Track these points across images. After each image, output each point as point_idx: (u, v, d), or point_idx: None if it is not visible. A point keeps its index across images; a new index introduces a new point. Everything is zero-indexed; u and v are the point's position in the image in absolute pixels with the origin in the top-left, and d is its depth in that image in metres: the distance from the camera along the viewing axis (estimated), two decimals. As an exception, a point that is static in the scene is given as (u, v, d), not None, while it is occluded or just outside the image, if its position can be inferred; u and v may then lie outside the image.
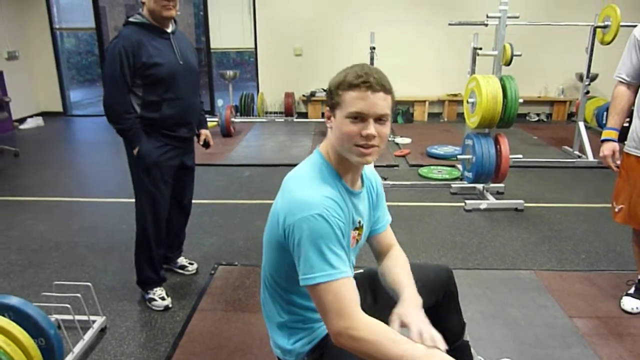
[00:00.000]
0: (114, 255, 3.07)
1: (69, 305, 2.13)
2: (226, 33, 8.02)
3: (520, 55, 4.68)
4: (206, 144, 2.73)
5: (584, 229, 3.52)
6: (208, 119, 2.94)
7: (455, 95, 7.93)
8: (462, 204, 3.98)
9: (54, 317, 2.15)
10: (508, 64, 4.95)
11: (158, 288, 2.54)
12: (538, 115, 8.02)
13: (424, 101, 7.88)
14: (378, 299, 1.54)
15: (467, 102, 4.05)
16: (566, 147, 5.84)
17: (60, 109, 8.22)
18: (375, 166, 1.58)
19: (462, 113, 4.44)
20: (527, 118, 7.99)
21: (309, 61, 7.95)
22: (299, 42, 7.88)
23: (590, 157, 5.25)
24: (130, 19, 2.27)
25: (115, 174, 4.82)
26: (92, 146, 6.36)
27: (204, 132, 2.70)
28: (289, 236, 1.21)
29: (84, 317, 2.24)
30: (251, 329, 2.29)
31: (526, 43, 6.39)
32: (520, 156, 4.22)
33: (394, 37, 7.58)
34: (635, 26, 2.35)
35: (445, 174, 4.83)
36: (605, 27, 4.93)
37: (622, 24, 4.70)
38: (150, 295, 2.51)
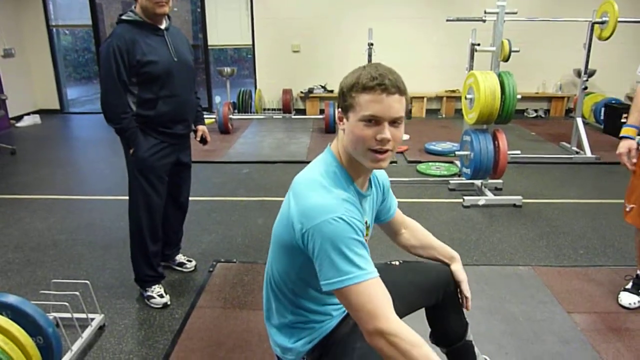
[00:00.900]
0: (112, 253, 3.07)
1: (67, 304, 2.12)
2: (224, 30, 8.00)
3: (518, 51, 4.68)
4: (203, 140, 2.73)
5: (582, 225, 3.52)
6: (205, 116, 2.94)
7: (453, 91, 7.93)
8: (461, 200, 3.98)
9: (52, 315, 2.14)
10: (506, 60, 4.94)
11: (156, 285, 2.54)
12: (536, 111, 8.03)
13: (422, 97, 7.88)
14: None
15: (465, 98, 4.05)
16: (564, 143, 5.85)
17: (57, 106, 8.22)
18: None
19: (460, 109, 4.43)
20: (525, 114, 8.00)
21: (307, 58, 7.93)
22: (297, 38, 7.86)
23: (588, 153, 5.26)
24: (123, 17, 2.25)
25: (113, 172, 4.81)
26: (89, 144, 6.35)
27: (201, 128, 2.70)
28: (309, 241, 1.17)
29: (83, 315, 2.24)
30: (250, 326, 2.29)
31: (524, 39, 6.38)
32: (519, 152, 4.22)
33: (392, 33, 7.57)
34: (633, 22, 2.34)
35: (443, 170, 4.83)
36: (603, 22, 4.93)
37: (619, 19, 4.70)
38: (149, 293, 2.51)
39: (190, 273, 2.83)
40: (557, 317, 2.37)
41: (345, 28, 7.69)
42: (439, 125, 7.19)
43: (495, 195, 4.06)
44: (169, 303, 2.50)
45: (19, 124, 7.16)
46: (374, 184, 1.46)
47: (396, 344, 1.10)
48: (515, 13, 4.09)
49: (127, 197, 2.46)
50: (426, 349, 1.11)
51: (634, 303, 2.43)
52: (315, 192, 1.21)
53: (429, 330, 1.70)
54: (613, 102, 6.60)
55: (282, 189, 4.34)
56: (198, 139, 2.71)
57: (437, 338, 1.68)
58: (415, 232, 1.70)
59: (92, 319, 2.27)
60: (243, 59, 10.24)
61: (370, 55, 5.99)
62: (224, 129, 6.56)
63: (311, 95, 7.88)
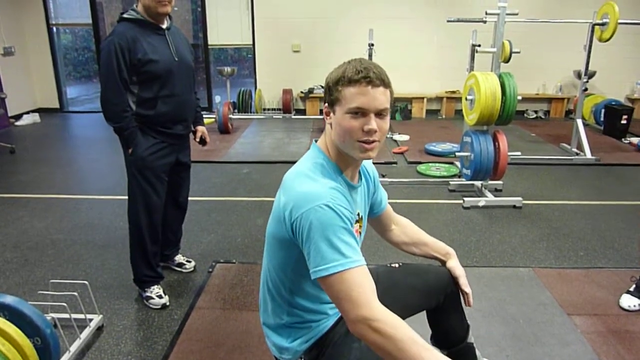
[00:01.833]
0: (111, 253, 3.06)
1: (65, 304, 2.11)
2: (224, 29, 7.98)
3: (519, 52, 4.68)
4: (202, 141, 2.72)
5: (582, 226, 3.52)
6: (206, 116, 2.93)
7: (453, 92, 7.92)
8: (461, 202, 3.97)
9: (50, 315, 2.13)
10: (507, 61, 4.93)
11: (155, 286, 2.53)
12: (536, 112, 8.02)
13: (422, 98, 7.87)
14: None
15: (466, 99, 4.04)
16: (564, 145, 5.84)
17: (56, 105, 8.20)
18: (373, 163, 1.58)
19: (461, 110, 4.43)
20: (525, 115, 7.99)
21: (307, 58, 7.92)
22: (297, 38, 7.85)
23: (588, 155, 5.25)
24: (125, 15, 2.24)
25: (112, 171, 4.80)
26: (88, 143, 6.33)
27: (200, 129, 2.69)
28: (297, 230, 1.19)
29: (81, 316, 2.23)
30: (249, 327, 2.28)
31: (525, 40, 6.38)
32: (519, 153, 4.21)
33: (393, 33, 7.56)
34: (633, 24, 2.32)
35: (443, 171, 4.82)
36: (603, 24, 4.92)
37: (620, 21, 4.69)
38: (148, 294, 2.50)
39: (189, 274, 2.82)
40: (557, 319, 2.37)
41: (346, 28, 7.68)
42: (439, 126, 7.18)
43: (495, 196, 4.06)
44: (167, 304, 2.49)
45: (18, 123, 7.14)
46: (364, 176, 1.47)
47: (379, 329, 1.10)
48: (517, 14, 4.09)
49: (126, 197, 2.45)
50: (409, 329, 1.11)
51: (634, 306, 2.43)
52: (302, 182, 1.23)
53: (430, 332, 1.69)
54: (613, 103, 6.59)
55: (282, 189, 4.32)
56: (197, 139, 2.70)
57: (438, 340, 1.68)
58: (405, 228, 1.70)
59: (91, 320, 2.26)
60: (243, 59, 10.23)
61: (370, 56, 5.98)
62: (224, 128, 6.55)
63: (311, 95, 7.87)
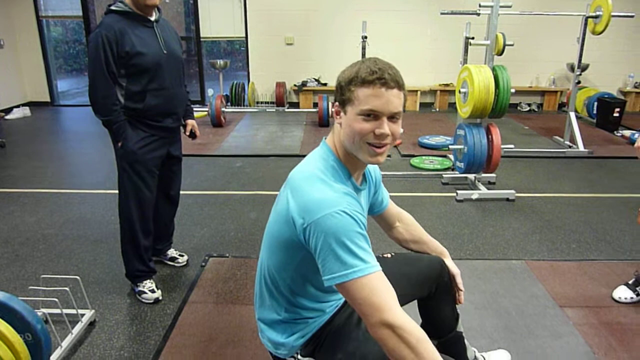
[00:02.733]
0: (102, 248, 3.04)
1: (56, 299, 2.09)
2: (216, 22, 7.93)
3: (512, 45, 4.68)
4: (192, 135, 2.69)
5: (574, 219, 3.53)
6: (198, 109, 2.91)
7: (447, 85, 7.92)
8: (454, 194, 3.98)
9: (41, 311, 2.12)
10: (500, 53, 4.93)
11: (148, 280, 2.51)
12: (529, 105, 8.04)
13: (416, 91, 7.86)
14: None
15: (459, 92, 4.03)
16: (557, 137, 5.86)
17: (47, 98, 8.12)
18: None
19: (454, 103, 4.43)
20: (519, 108, 8.01)
21: (300, 50, 7.88)
22: (291, 31, 7.81)
23: (581, 147, 5.27)
24: (112, 7, 2.21)
25: (104, 165, 4.77)
26: (80, 137, 6.28)
27: (190, 123, 2.66)
28: (311, 235, 1.16)
29: (73, 311, 2.21)
30: (242, 321, 2.27)
31: (518, 33, 6.38)
32: (512, 146, 4.22)
33: (386, 26, 7.54)
34: (626, 16, 2.32)
35: (436, 164, 4.83)
36: (596, 17, 4.92)
37: (613, 14, 4.70)
38: (140, 288, 2.48)
39: (182, 268, 2.81)
40: (550, 311, 2.38)
41: (339, 21, 7.64)
42: (433, 119, 7.18)
43: (488, 189, 4.06)
44: (160, 298, 2.47)
45: (8, 117, 7.07)
46: (368, 178, 1.46)
47: (403, 338, 1.09)
48: (510, 7, 4.08)
49: (118, 191, 2.43)
50: (431, 345, 1.12)
51: (625, 298, 2.44)
52: (316, 187, 1.20)
53: (420, 321, 1.69)
54: (606, 96, 6.61)
55: (276, 183, 4.32)
56: (187, 133, 2.68)
57: (429, 329, 1.67)
58: (409, 226, 1.70)
59: (83, 315, 2.24)
60: (236, 52, 10.17)
61: (364, 49, 5.95)
62: (217, 122, 6.52)
63: (305, 88, 7.84)
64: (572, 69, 6.21)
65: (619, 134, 6.15)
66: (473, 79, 3.73)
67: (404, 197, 3.95)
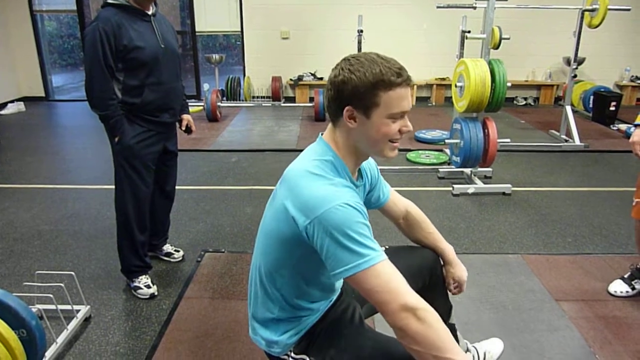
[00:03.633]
0: (98, 243, 3.02)
1: (51, 295, 2.08)
2: (212, 16, 7.88)
3: (508, 39, 4.66)
4: (188, 130, 2.67)
5: (570, 213, 3.54)
6: (194, 104, 2.90)
7: (443, 79, 7.91)
8: (450, 189, 3.98)
9: (36, 307, 2.11)
10: (496, 47, 4.92)
11: (143, 276, 2.50)
12: (525, 99, 8.04)
13: (412, 85, 7.82)
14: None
15: (456, 86, 4.03)
16: (553, 131, 5.87)
17: (42, 93, 8.07)
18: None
19: (451, 97, 4.42)
20: (515, 102, 8.01)
21: (296, 45, 7.85)
22: (286, 25, 7.77)
23: (577, 141, 5.27)
24: (109, 0, 2.18)
25: (99, 160, 4.74)
26: (75, 132, 6.25)
27: (186, 118, 2.64)
28: (315, 232, 1.14)
29: (68, 307, 2.20)
30: (238, 317, 2.27)
31: (514, 26, 6.37)
32: (508, 140, 4.22)
33: (382, 20, 7.51)
34: (623, 10, 2.30)
35: (433, 158, 4.82)
36: (593, 10, 4.92)
37: (609, 7, 4.69)
38: (136, 284, 2.47)
39: (177, 263, 2.80)
40: (546, 305, 2.38)
41: (335, 15, 7.61)
42: (429, 113, 7.17)
43: (484, 183, 4.06)
44: (156, 294, 2.47)
45: (2, 112, 7.02)
46: (364, 175, 1.45)
47: (424, 318, 1.10)
48: (506, 0, 4.06)
49: (113, 186, 2.41)
50: (443, 323, 1.13)
51: (621, 292, 2.44)
52: (314, 182, 1.19)
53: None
54: (602, 90, 6.62)
55: (272, 178, 4.31)
56: (183, 128, 2.66)
57: None
58: (411, 228, 1.67)
59: (78, 311, 2.23)
60: (232, 46, 10.13)
61: (360, 43, 5.94)
62: (213, 116, 6.49)
63: (301, 82, 7.81)
64: (568, 62, 6.20)
65: (615, 128, 6.15)
66: (469, 73, 3.72)
67: (400, 192, 3.91)
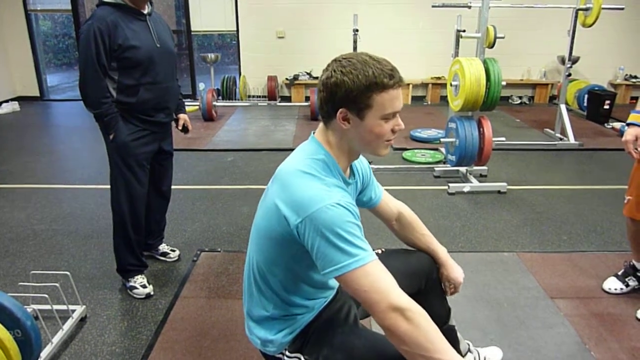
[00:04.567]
0: (93, 243, 3.01)
1: (47, 295, 2.07)
2: (207, 15, 7.86)
3: (503, 38, 4.67)
4: (185, 129, 2.68)
5: (565, 211, 3.55)
6: (189, 103, 2.90)
7: (438, 78, 7.92)
8: (446, 187, 3.99)
9: (31, 307, 2.10)
10: (491, 46, 4.93)
11: (139, 276, 2.50)
12: (520, 98, 8.06)
13: (408, 84, 7.85)
14: None
15: (451, 85, 4.03)
16: (548, 130, 5.89)
17: (36, 93, 8.02)
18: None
19: (446, 96, 4.42)
20: (510, 101, 8.03)
21: (292, 44, 7.85)
22: (282, 24, 7.76)
23: (572, 140, 5.29)
24: None
25: (95, 160, 4.73)
26: (70, 131, 6.22)
27: (183, 117, 2.65)
28: (305, 231, 1.15)
29: (63, 307, 2.19)
30: (235, 316, 2.27)
31: (509, 25, 6.38)
32: (503, 139, 4.24)
33: (378, 19, 7.52)
34: (616, 9, 2.30)
35: (428, 157, 4.83)
36: (587, 9, 4.94)
37: (603, 6, 4.71)
38: (131, 283, 2.47)
39: (173, 263, 2.80)
40: (541, 302, 2.39)
41: (330, 14, 7.61)
42: (425, 112, 7.18)
43: (480, 182, 4.07)
44: (152, 293, 2.46)
45: (-3, 112, 6.99)
46: (356, 173, 1.45)
47: (412, 319, 1.10)
48: (501, -1, 4.07)
49: (109, 186, 2.41)
50: (434, 324, 1.13)
51: (615, 289, 2.46)
52: (306, 181, 1.19)
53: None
54: (596, 89, 6.64)
55: (268, 177, 4.27)
56: (179, 127, 2.66)
57: None
58: (404, 229, 1.67)
59: (73, 311, 2.23)
60: (227, 45, 10.11)
61: (355, 42, 5.93)
62: (208, 116, 6.48)
63: (296, 82, 7.81)
64: (562, 61, 6.22)
65: (609, 126, 6.18)
66: (464, 72, 3.73)
67: (396, 191, 3.95)
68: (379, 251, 1.62)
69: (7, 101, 7.33)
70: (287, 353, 1.37)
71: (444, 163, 4.57)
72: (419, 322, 1.10)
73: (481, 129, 3.90)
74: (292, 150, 1.36)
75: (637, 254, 2.43)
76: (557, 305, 2.37)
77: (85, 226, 3.26)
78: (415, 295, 1.62)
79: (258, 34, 7.80)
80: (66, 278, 2.28)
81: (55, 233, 3.16)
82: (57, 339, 2.05)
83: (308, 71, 7.89)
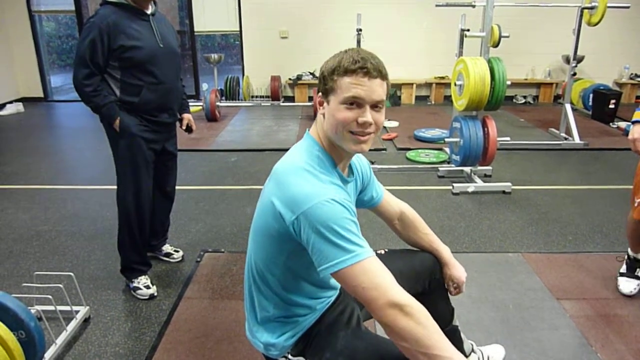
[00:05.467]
0: (97, 244, 3.01)
1: (50, 296, 2.07)
2: (210, 15, 7.87)
3: (507, 37, 4.64)
4: (189, 129, 2.67)
5: (570, 211, 3.53)
6: (193, 104, 2.89)
7: (442, 77, 7.90)
8: (450, 188, 3.97)
9: (35, 308, 2.09)
10: (496, 45, 4.91)
11: (143, 276, 2.49)
12: (525, 97, 8.03)
13: (412, 84, 7.83)
14: None
15: (455, 84, 4.02)
16: (553, 130, 5.86)
17: (40, 94, 8.05)
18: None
19: (450, 96, 4.41)
20: (514, 100, 8.00)
21: (295, 44, 7.84)
22: (285, 24, 7.76)
23: (577, 139, 5.26)
24: None
25: (98, 161, 4.73)
26: (74, 132, 6.24)
27: (187, 117, 2.64)
28: (301, 227, 1.14)
29: (67, 308, 2.19)
30: (238, 317, 2.26)
31: (514, 25, 6.34)
32: (508, 139, 4.22)
33: (381, 19, 7.50)
34: (622, 7, 2.27)
35: (432, 157, 4.81)
36: (592, 8, 4.91)
37: (609, 5, 4.68)
38: (135, 284, 2.46)
39: (177, 263, 2.79)
40: (546, 303, 2.37)
41: (334, 14, 7.60)
42: (429, 112, 7.16)
43: (484, 182, 4.06)
44: (155, 294, 2.46)
45: (1, 113, 7.01)
46: (355, 172, 1.44)
47: (411, 314, 1.09)
48: (505, -2, 4.05)
49: (113, 187, 2.41)
50: (433, 320, 1.12)
51: (634, 289, 2.42)
52: (302, 178, 1.19)
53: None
54: (601, 88, 6.61)
55: (271, 177, 4.28)
56: (184, 127, 2.66)
57: None
58: (406, 229, 1.66)
59: (77, 312, 2.23)
60: (230, 46, 10.12)
61: (359, 42, 5.92)
62: (212, 116, 6.48)
63: (300, 82, 7.80)
64: (567, 60, 6.18)
65: (614, 126, 6.15)
66: (469, 71, 3.72)
67: (400, 191, 3.94)
68: (382, 252, 1.61)
69: (11, 102, 7.36)
70: (289, 356, 1.36)
71: (448, 163, 4.55)
72: (419, 318, 1.09)
73: (486, 129, 3.88)
74: (294, 150, 1.35)
75: (637, 247, 2.42)
76: (562, 306, 2.35)
77: (89, 227, 3.26)
78: (419, 295, 1.61)
79: (261, 34, 7.80)
80: (70, 279, 2.28)
81: (59, 234, 3.16)
82: (60, 340, 2.05)
83: (311, 71, 7.89)
